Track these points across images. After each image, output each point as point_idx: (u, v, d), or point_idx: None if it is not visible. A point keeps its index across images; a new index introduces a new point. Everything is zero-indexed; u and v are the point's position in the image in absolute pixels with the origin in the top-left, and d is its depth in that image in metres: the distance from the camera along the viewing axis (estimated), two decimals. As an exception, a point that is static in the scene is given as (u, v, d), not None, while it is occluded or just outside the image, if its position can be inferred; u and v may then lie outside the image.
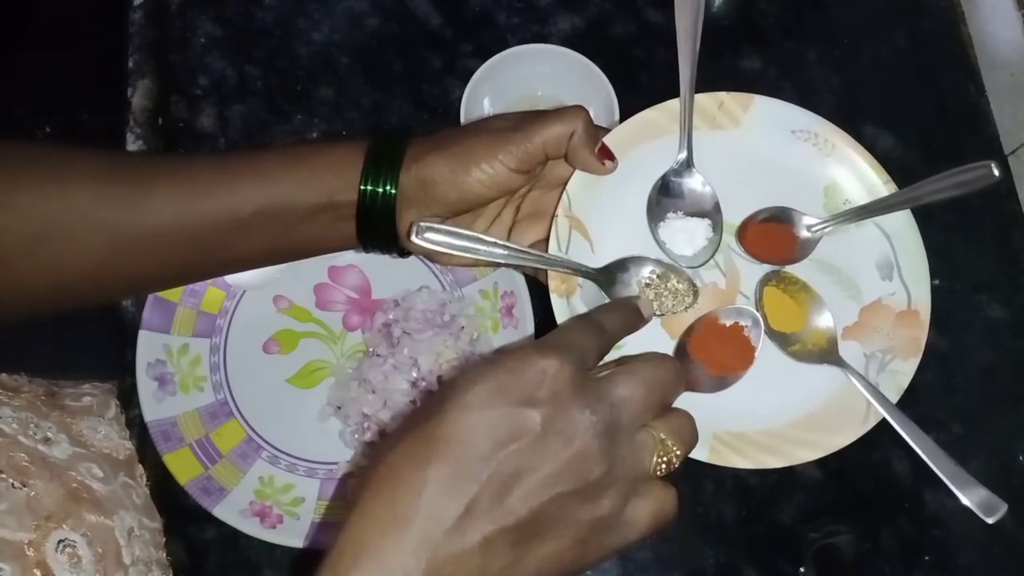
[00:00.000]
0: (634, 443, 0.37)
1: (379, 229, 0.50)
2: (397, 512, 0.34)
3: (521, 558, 0.35)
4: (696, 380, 0.49)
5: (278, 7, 0.71)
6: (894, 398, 0.50)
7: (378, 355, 0.60)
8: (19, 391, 0.50)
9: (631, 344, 0.47)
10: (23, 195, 0.45)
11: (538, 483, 0.34)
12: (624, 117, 0.62)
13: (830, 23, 0.73)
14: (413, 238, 0.47)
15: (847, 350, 0.51)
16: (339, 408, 0.59)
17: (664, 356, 0.40)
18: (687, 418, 0.40)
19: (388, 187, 0.48)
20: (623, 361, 0.40)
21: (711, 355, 0.49)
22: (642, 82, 0.69)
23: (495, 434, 0.34)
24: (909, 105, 0.70)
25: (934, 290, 0.52)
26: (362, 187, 0.48)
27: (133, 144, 0.67)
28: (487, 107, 0.66)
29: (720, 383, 0.49)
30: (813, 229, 0.52)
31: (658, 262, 0.51)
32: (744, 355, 0.49)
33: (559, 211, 0.51)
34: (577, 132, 0.48)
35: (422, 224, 0.47)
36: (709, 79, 0.69)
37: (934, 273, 0.52)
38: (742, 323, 0.49)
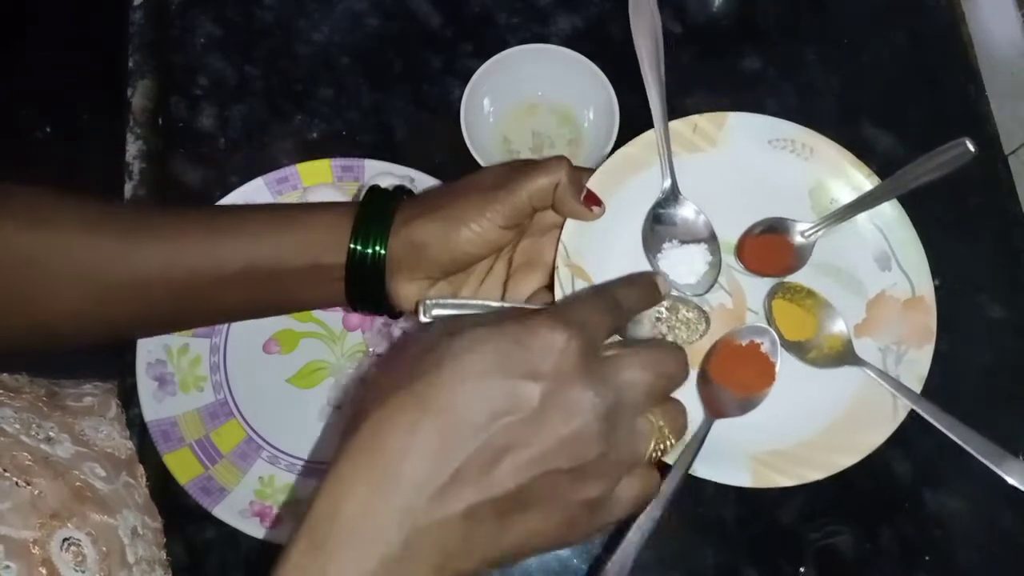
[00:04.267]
0: (633, 429, 0.37)
1: (368, 290, 0.49)
2: (378, 480, 0.33)
3: (505, 530, 0.35)
4: (723, 405, 0.49)
5: (278, 7, 0.71)
6: (917, 388, 0.50)
7: (378, 355, 0.60)
8: (20, 391, 0.50)
9: None
10: (8, 236, 0.45)
11: (529, 458, 0.34)
12: (624, 116, 0.63)
13: (830, 23, 0.73)
14: (422, 317, 0.46)
15: (862, 347, 0.51)
16: (339, 408, 0.60)
17: (672, 344, 0.40)
18: (682, 407, 0.40)
19: (377, 247, 0.48)
20: (631, 343, 0.39)
21: (733, 377, 0.49)
22: (642, 82, 0.69)
23: (490, 405, 0.34)
24: (909, 105, 0.70)
25: (934, 290, 0.52)
26: (351, 246, 0.48)
27: (133, 144, 0.67)
28: (487, 107, 0.66)
29: (747, 404, 0.49)
30: (806, 234, 0.52)
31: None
32: (765, 372, 0.49)
33: (558, 262, 0.50)
34: (562, 183, 0.48)
35: (428, 302, 0.46)
36: (709, 79, 0.70)
37: (934, 273, 0.52)
38: (757, 340, 0.49)
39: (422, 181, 0.63)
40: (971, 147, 0.49)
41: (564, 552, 0.59)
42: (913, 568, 0.60)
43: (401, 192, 0.51)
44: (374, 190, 0.51)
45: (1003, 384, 0.64)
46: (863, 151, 0.56)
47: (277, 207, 0.52)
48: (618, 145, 0.61)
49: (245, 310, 0.52)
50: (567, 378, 0.35)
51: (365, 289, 0.49)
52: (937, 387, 0.53)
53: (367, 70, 0.69)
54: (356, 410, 0.36)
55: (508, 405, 0.34)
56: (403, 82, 0.69)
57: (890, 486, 0.61)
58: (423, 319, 0.46)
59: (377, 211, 0.49)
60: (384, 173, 0.63)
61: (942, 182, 0.52)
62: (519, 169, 0.48)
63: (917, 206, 0.52)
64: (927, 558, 0.60)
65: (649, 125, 0.54)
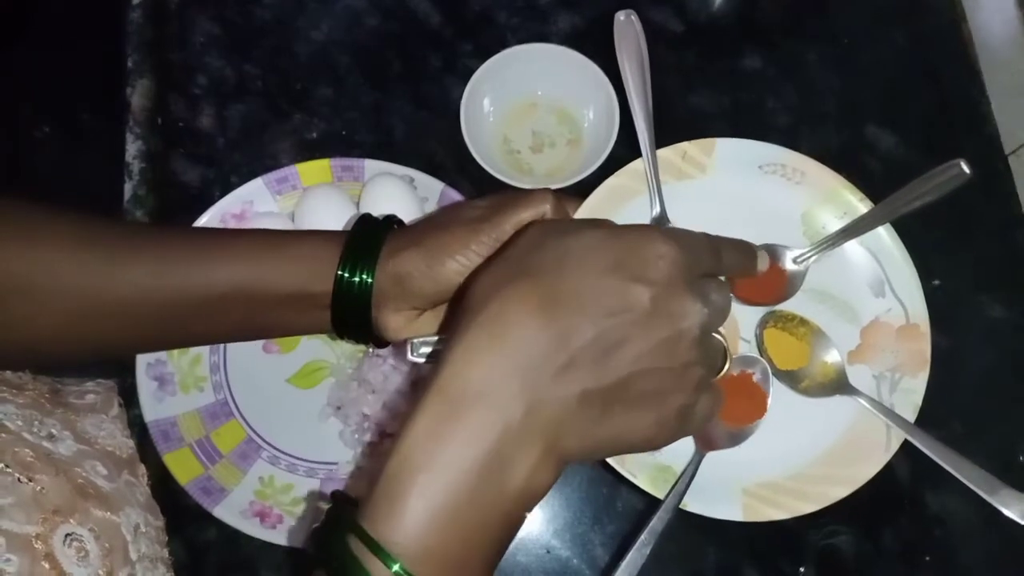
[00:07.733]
0: (712, 344, 0.41)
1: (354, 319, 0.49)
2: (505, 352, 0.35)
3: (608, 419, 0.37)
4: (714, 437, 0.49)
5: (277, 6, 0.71)
6: (911, 417, 0.50)
7: (378, 355, 0.60)
8: (24, 388, 0.50)
9: None
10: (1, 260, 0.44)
11: (638, 353, 0.37)
12: (623, 116, 0.63)
13: (830, 23, 0.73)
14: (411, 356, 0.47)
15: (856, 375, 0.51)
16: (339, 408, 0.59)
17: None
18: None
19: (364, 276, 0.48)
20: None
21: (724, 409, 0.49)
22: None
23: (607, 303, 0.36)
24: (909, 105, 0.70)
25: (935, 290, 0.52)
26: (338, 272, 0.48)
27: (133, 144, 0.67)
28: (487, 107, 0.66)
29: (738, 436, 0.49)
30: (799, 260, 0.52)
31: None
32: (757, 403, 0.49)
33: None
34: (547, 215, 0.48)
35: (416, 341, 0.46)
36: (709, 79, 0.70)
37: (935, 273, 0.52)
38: (749, 371, 0.49)
39: (422, 181, 0.63)
40: (966, 168, 0.48)
41: (564, 552, 0.59)
42: (914, 568, 0.60)
43: (391, 222, 0.51)
44: (364, 219, 0.51)
45: (1003, 384, 0.64)
46: (864, 151, 0.56)
47: (266, 232, 0.52)
48: (618, 146, 0.62)
49: (231, 333, 0.52)
50: (674, 288, 0.38)
51: (351, 318, 0.49)
52: (938, 388, 0.54)
53: (367, 69, 0.69)
54: (469, 294, 0.38)
55: (622, 304, 0.37)
56: (403, 82, 0.69)
57: (890, 486, 0.61)
58: (412, 358, 0.47)
59: (365, 241, 0.49)
60: (384, 173, 0.63)
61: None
62: (503, 202, 0.48)
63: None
64: (928, 558, 0.60)
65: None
